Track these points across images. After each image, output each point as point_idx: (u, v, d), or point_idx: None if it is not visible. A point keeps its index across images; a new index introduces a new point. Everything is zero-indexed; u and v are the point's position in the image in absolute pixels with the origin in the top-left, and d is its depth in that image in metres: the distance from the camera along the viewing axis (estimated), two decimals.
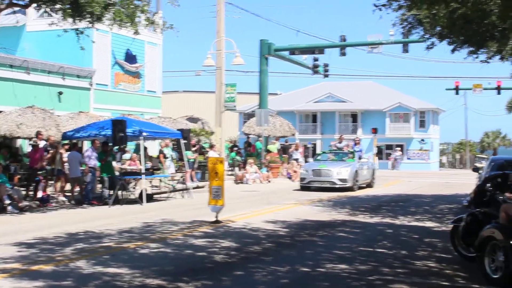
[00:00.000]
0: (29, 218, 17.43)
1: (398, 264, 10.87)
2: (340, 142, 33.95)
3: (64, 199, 21.53)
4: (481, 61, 17.70)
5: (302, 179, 27.87)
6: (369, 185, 29.27)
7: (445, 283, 9.53)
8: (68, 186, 22.14)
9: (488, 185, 10.75)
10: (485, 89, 52.60)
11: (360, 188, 27.85)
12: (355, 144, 32.72)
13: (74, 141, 22.68)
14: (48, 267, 10.35)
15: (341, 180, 26.79)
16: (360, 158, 29.47)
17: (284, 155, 36.68)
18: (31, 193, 21.27)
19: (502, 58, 17.07)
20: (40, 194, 20.66)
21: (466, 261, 11.05)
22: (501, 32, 14.30)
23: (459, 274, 10.22)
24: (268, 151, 35.55)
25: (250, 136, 40.05)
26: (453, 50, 17.02)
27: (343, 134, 40.15)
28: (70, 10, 18.19)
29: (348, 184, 26.73)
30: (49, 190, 21.71)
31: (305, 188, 27.29)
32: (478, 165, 30.63)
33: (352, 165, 27.70)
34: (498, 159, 19.00)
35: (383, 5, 13.64)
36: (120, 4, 19.18)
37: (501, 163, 17.69)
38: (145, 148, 25.19)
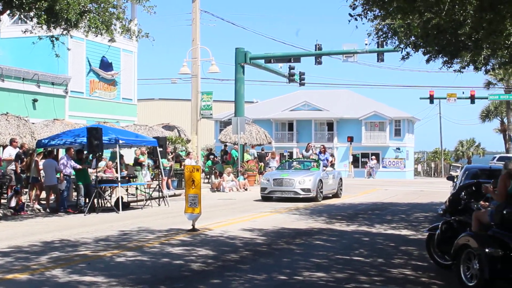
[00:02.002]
0: (4, 227, 17.25)
1: (375, 272, 10.93)
2: (307, 151, 33.14)
3: (39, 207, 21.35)
4: (454, 70, 17.86)
5: (262, 189, 26.23)
6: (336, 195, 27.77)
7: None
8: (43, 194, 21.96)
9: (463, 193, 10.88)
10: (459, 98, 53.22)
11: (326, 198, 26.51)
12: (321, 152, 31.54)
13: (49, 148, 22.52)
14: (23, 276, 10.26)
15: (303, 190, 25.28)
16: (325, 166, 28.06)
17: (261, 163, 36.73)
18: (4, 201, 21.06)
19: (475, 68, 17.27)
20: (14, 202, 20.44)
21: (442, 269, 11.17)
22: (474, 43, 14.44)
23: (435, 282, 10.32)
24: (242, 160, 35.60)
25: (226, 144, 40.08)
26: (427, 60, 17.18)
27: (310, 143, 39.72)
28: (45, 17, 18.08)
29: (311, 194, 25.26)
30: (24, 198, 21.49)
31: (266, 198, 25.89)
32: (453, 173, 30.85)
33: (316, 174, 26.13)
34: (472, 168, 19.17)
35: (359, 15, 13.73)
36: (95, 11, 19.12)
37: (475, 171, 17.85)
38: (121, 156, 25.09)
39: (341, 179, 29.05)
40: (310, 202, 24.90)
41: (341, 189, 28.58)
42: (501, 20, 12.14)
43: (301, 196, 25.27)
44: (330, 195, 27.41)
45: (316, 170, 26.85)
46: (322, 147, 32.73)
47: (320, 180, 25.99)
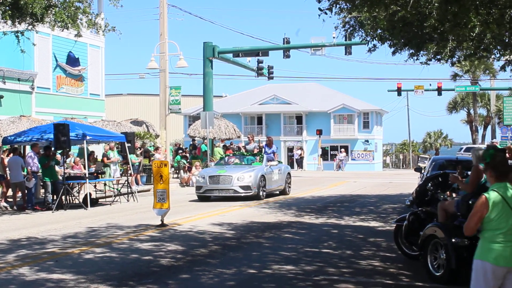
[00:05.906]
0: None
1: (344, 264, 11.00)
2: (249, 143, 31.51)
3: (5, 205, 21.11)
4: (421, 63, 17.97)
5: (198, 188, 23.48)
6: (283, 192, 25.37)
7: (390, 281, 9.69)
8: (9, 192, 21.70)
9: (429, 184, 10.98)
10: (426, 90, 53.69)
11: (271, 195, 24.54)
12: (267, 145, 28.79)
13: (15, 145, 22.25)
14: None
15: (243, 187, 22.79)
16: (271, 160, 25.34)
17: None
18: None
19: (438, 60, 17.39)
20: None
21: (410, 259, 11.27)
22: (439, 35, 14.55)
23: (403, 272, 10.41)
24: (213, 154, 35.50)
25: (195, 138, 39.98)
26: (394, 53, 17.26)
27: (252, 134, 38.17)
28: (10, 12, 17.84)
29: (252, 192, 22.78)
30: None
31: (203, 198, 23.28)
32: (421, 165, 31.04)
33: (258, 169, 23.56)
34: (439, 159, 19.40)
35: (328, 9, 13.75)
36: (61, 5, 18.91)
37: (442, 162, 18.07)
38: (92, 152, 24.86)
39: (289, 173, 26.42)
40: (251, 201, 22.59)
41: (289, 185, 26.16)
42: (466, 13, 12.25)
43: (241, 194, 22.80)
44: (277, 192, 25.28)
45: (258, 165, 24.25)
46: (269, 139, 30.23)
47: (263, 176, 23.51)
